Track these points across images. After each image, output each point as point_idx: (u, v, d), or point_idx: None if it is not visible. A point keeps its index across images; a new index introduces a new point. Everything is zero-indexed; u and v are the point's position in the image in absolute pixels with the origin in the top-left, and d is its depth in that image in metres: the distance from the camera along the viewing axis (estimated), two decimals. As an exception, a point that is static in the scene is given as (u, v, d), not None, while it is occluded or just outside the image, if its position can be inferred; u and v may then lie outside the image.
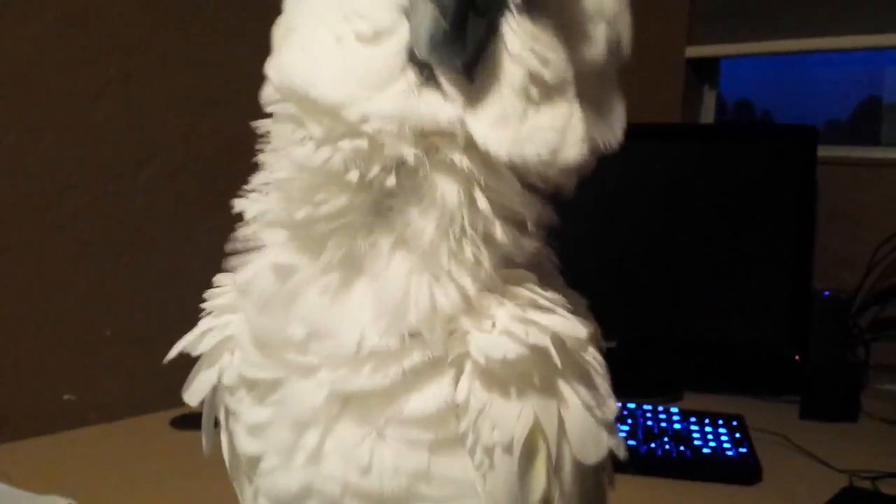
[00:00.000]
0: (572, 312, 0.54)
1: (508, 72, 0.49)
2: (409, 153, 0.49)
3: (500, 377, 0.51)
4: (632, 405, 1.47)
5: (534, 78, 0.50)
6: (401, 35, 0.49)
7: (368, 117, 0.48)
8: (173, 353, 0.60)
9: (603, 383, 0.55)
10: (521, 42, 0.49)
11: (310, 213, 0.52)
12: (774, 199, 1.70)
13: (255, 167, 0.57)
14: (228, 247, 0.58)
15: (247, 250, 0.57)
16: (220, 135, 1.57)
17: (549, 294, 0.53)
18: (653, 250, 1.73)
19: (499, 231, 0.51)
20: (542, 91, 0.50)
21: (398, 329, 0.51)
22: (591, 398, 0.53)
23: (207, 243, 1.59)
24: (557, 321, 0.52)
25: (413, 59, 0.49)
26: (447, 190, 0.50)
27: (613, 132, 0.56)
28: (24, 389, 1.39)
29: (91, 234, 1.45)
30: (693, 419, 1.43)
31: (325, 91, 0.49)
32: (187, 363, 0.61)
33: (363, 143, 0.49)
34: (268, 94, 0.55)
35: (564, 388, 0.52)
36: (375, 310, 0.51)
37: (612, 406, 0.55)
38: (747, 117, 2.39)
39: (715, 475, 1.28)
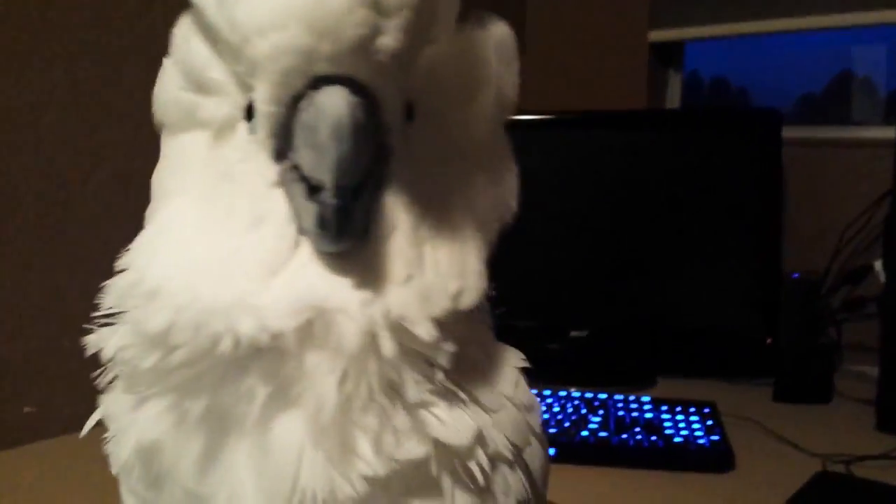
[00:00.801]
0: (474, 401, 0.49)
1: (396, 226, 0.46)
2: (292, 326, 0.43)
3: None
4: (603, 395, 1.45)
5: (421, 224, 0.47)
6: (281, 211, 0.45)
7: (266, 317, 0.43)
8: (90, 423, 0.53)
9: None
10: (404, 195, 0.47)
11: (159, 361, 0.45)
12: (741, 183, 1.68)
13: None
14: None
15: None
16: (174, 136, 1.51)
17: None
18: (621, 238, 1.72)
19: (411, 382, 0.45)
20: (434, 235, 0.48)
21: None
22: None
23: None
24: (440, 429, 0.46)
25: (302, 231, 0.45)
26: (347, 334, 0.43)
27: (508, 204, 0.54)
28: (-19, 404, 1.36)
29: (42, 245, 1.41)
30: (665, 408, 1.41)
31: (206, 293, 0.44)
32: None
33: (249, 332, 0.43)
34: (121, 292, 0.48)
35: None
36: (258, 486, 0.45)
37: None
38: (722, 95, 2.38)
39: (687, 464, 1.26)
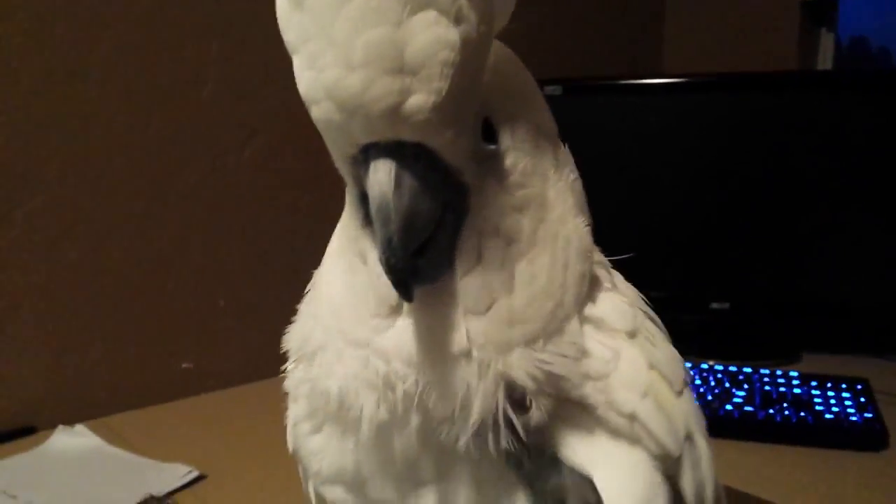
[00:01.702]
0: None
1: (481, 255, 0.46)
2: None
3: None
4: (748, 369, 1.41)
5: (515, 242, 0.47)
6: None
7: (391, 361, 0.46)
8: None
9: None
10: (490, 221, 0.46)
11: (357, 440, 0.50)
12: (893, 149, 1.59)
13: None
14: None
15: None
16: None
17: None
18: (767, 207, 1.65)
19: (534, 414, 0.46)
20: (531, 247, 0.47)
21: None
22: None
23: (310, 215, 1.62)
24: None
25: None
26: (445, 397, 0.45)
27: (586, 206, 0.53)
28: (143, 359, 1.45)
29: (201, 209, 1.48)
30: (814, 383, 1.36)
31: (351, 337, 0.48)
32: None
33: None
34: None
35: None
36: None
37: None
38: (863, 54, 2.24)
39: (838, 441, 1.22)
